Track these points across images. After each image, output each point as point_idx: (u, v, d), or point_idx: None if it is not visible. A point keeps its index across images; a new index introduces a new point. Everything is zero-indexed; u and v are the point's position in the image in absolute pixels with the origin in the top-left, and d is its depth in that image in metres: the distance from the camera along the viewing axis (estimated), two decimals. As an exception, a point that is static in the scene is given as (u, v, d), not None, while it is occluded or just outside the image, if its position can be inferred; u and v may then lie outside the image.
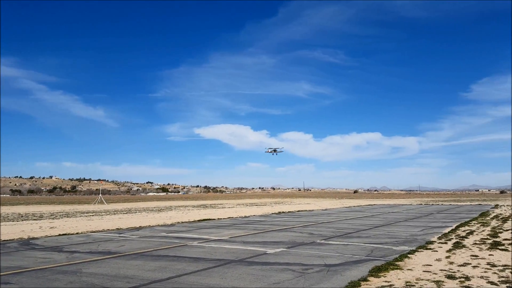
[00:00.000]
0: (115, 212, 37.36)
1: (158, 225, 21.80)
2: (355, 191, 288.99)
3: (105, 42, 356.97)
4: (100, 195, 76.98)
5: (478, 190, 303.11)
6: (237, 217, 28.08)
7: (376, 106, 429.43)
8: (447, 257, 10.64)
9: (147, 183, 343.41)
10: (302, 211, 37.44)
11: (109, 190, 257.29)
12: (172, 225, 22.10)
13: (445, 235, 15.95)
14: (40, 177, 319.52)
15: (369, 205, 53.67)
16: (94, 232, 18.43)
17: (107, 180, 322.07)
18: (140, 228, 20.35)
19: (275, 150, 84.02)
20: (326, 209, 40.56)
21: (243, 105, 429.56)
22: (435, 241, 13.93)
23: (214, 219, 26.45)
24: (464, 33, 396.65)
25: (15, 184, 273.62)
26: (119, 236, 16.46)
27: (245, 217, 28.64)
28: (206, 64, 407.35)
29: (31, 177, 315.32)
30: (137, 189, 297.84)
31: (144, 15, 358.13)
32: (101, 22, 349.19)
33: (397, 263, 9.75)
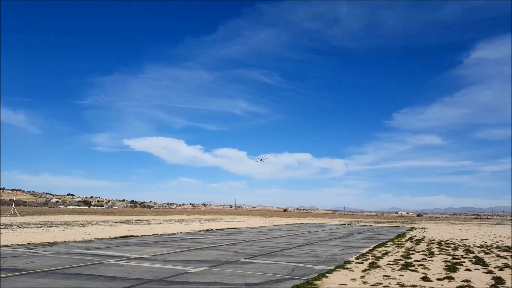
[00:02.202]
0: (28, 226, 34.19)
1: (75, 241, 20.48)
2: (285, 210, 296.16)
3: (30, 41, 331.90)
4: (13, 206, 69.78)
5: (398, 213, 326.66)
6: (162, 234, 27.34)
7: (308, 128, 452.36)
8: (362, 276, 11.31)
9: (68, 195, 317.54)
10: (231, 228, 37.55)
11: (25, 201, 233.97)
12: (90, 241, 20.89)
13: (363, 255, 16.89)
14: None
15: (296, 223, 55.47)
16: (1, 246, 16.79)
17: (23, 190, 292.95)
18: (54, 243, 18.96)
19: (261, 159, 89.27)
20: (255, 227, 41.13)
21: (178, 119, 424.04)
22: (353, 261, 14.73)
23: (137, 235, 25.49)
24: (389, 64, 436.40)
25: None
26: (29, 252, 15.20)
27: (171, 234, 28.01)
28: (141, 74, 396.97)
29: None
30: (56, 201, 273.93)
31: (78, 15, 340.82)
32: (27, 19, 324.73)
33: (315, 282, 10.20)
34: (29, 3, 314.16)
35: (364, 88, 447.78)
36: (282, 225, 50.35)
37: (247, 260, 14.48)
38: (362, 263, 14.33)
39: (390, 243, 24.21)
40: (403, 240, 27.18)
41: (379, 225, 59.24)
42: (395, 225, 61.41)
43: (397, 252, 18.68)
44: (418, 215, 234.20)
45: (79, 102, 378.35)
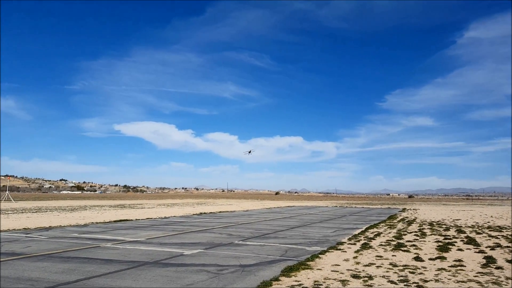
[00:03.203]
0: (23, 211, 34.26)
1: (70, 226, 20.69)
2: (277, 193, 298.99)
3: (19, 27, 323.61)
4: (7, 191, 69.56)
5: (389, 194, 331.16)
6: (156, 218, 27.66)
7: (299, 111, 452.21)
8: (355, 257, 11.55)
9: (60, 180, 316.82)
10: (223, 212, 38.01)
11: (18, 187, 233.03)
12: (85, 225, 21.11)
13: (355, 236, 17.26)
14: None
15: (288, 206, 56.21)
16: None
17: (16, 176, 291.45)
18: (50, 228, 19.15)
19: (249, 152, 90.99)
20: (247, 210, 41.66)
21: (168, 103, 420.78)
22: (345, 242, 15.03)
23: (131, 219, 25.77)
24: (381, 46, 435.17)
25: None
26: (25, 237, 15.39)
27: (165, 217, 28.34)
28: (128, 58, 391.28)
29: None
30: (49, 187, 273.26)
31: (64, 2, 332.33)
32: (15, 5, 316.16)
33: (308, 263, 10.42)
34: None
35: (355, 70, 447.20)
36: (274, 208, 51.03)
37: (240, 242, 14.81)
38: (354, 244, 14.68)
39: (382, 224, 24.73)
40: (395, 221, 27.77)
41: (370, 207, 60.18)
42: (386, 206, 62.49)
43: (389, 233, 19.12)
44: (410, 197, 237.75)
45: (67, 87, 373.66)
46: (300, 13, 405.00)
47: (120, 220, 24.81)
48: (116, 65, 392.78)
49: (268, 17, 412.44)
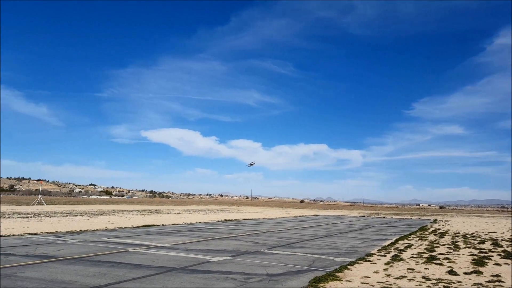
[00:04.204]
0: (55, 215, 35.47)
1: (100, 230, 21.19)
2: (302, 201, 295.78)
3: (51, 37, 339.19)
4: (39, 195, 72.29)
5: (419, 205, 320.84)
6: (182, 224, 27.94)
7: (323, 119, 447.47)
8: (385, 269, 11.18)
9: (90, 185, 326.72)
10: (248, 219, 37.96)
11: (50, 191, 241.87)
12: (114, 230, 21.58)
13: (385, 247, 16.76)
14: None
15: (314, 215, 55.49)
16: (32, 234, 17.60)
17: (48, 181, 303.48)
18: (80, 232, 19.69)
19: (251, 164, 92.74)
20: (272, 218, 41.43)
21: (193, 110, 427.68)
22: (375, 254, 14.60)
23: (158, 225, 26.14)
24: (407, 53, 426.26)
25: None
26: (58, 240, 15.87)
27: (191, 224, 28.58)
28: (155, 66, 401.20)
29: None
30: (79, 191, 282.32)
31: (94, 12, 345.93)
32: (48, 16, 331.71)
33: (337, 274, 10.15)
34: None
35: (381, 78, 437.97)
36: (299, 216, 50.52)
37: (266, 250, 14.70)
38: (384, 255, 14.26)
39: (412, 235, 23.95)
40: (426, 232, 26.85)
41: (400, 217, 58.54)
42: (416, 217, 60.56)
43: (421, 245, 18.50)
44: (441, 207, 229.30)
45: (97, 94, 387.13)
46: (324, 21, 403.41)
47: (147, 225, 25.21)
48: (144, 73, 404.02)
49: (291, 25, 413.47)
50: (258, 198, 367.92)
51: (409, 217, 61.31)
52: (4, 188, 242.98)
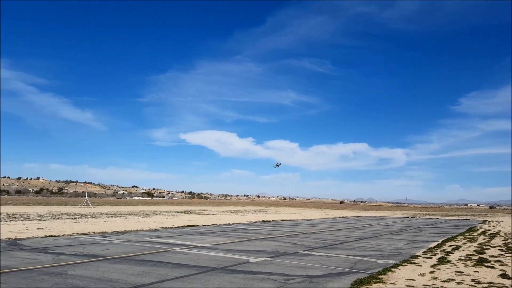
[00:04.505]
0: (101, 215, 37.16)
1: (143, 230, 21.91)
2: (341, 202, 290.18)
3: (95, 46, 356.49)
4: (86, 197, 76.11)
5: (467, 205, 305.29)
6: (220, 224, 28.29)
7: (363, 117, 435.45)
8: (431, 272, 10.76)
9: (132, 187, 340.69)
10: (286, 220, 37.79)
11: (95, 193, 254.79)
12: (156, 230, 22.22)
13: (431, 249, 16.14)
14: (27, 178, 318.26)
15: (354, 216, 54.30)
16: (80, 234, 18.50)
17: (94, 183, 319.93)
18: (124, 232, 20.45)
19: (277, 165, 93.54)
20: (310, 219, 40.99)
21: (229, 112, 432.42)
22: (420, 256, 14.08)
23: (198, 225, 26.62)
24: (452, 46, 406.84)
25: (3, 184, 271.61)
26: (104, 240, 16.58)
27: (229, 224, 28.87)
28: (193, 70, 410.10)
29: (19, 178, 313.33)
30: (123, 193, 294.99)
31: (134, 21, 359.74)
32: (92, 26, 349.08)
33: (380, 276, 9.87)
34: (91, 12, 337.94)
35: (425, 73, 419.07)
36: (339, 217, 49.62)
37: (306, 252, 14.54)
38: (430, 258, 13.68)
39: (460, 237, 22.84)
40: (475, 234, 25.49)
41: (446, 218, 55.98)
42: (464, 218, 57.65)
43: (469, 247, 17.61)
44: (491, 207, 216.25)
45: (138, 99, 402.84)
46: (362, 16, 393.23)
47: (188, 226, 25.76)
48: (182, 77, 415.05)
49: (329, 23, 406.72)
50: (295, 199, 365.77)
51: (456, 217, 58.48)
52: (54, 191, 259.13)
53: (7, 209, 46.24)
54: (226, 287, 8.36)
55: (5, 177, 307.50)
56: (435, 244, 18.58)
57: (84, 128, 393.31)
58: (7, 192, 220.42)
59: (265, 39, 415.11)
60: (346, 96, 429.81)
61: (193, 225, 26.40)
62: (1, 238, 16.22)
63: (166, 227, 24.26)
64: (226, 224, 28.69)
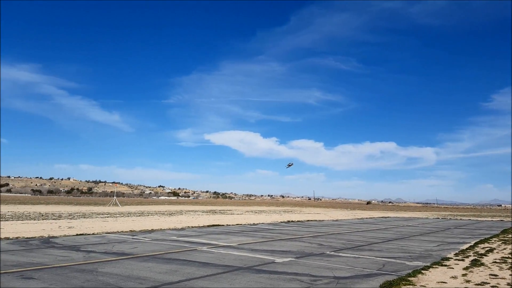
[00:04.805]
0: (129, 215, 38.07)
1: (169, 229, 22.25)
2: (368, 202, 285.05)
3: (121, 50, 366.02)
4: (114, 197, 78.30)
5: (501, 205, 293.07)
6: (245, 224, 28.35)
7: (391, 116, 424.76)
8: (464, 274, 10.40)
9: (159, 186, 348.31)
10: (311, 220, 37.46)
11: (123, 193, 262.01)
12: (182, 229, 22.53)
13: (463, 251, 15.63)
14: (59, 178, 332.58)
15: (382, 217, 53.18)
16: (109, 233, 18.99)
17: (121, 183, 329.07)
18: (152, 231, 20.84)
19: (289, 165, 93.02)
20: (337, 220, 40.46)
21: (252, 112, 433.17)
22: (452, 258, 13.66)
23: (223, 225, 26.79)
24: (482, 42, 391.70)
25: (36, 185, 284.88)
26: (132, 238, 16.94)
27: (254, 224, 28.89)
28: (217, 71, 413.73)
29: (51, 178, 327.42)
30: (149, 193, 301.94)
31: (158, 25, 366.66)
32: (118, 30, 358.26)
33: (410, 278, 9.62)
34: (118, 17, 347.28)
35: (454, 69, 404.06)
36: (366, 218, 48.73)
37: (332, 253, 14.33)
38: (462, 260, 13.19)
39: (494, 239, 21.91)
40: (510, 235, 24.38)
41: (479, 219, 54.00)
42: (498, 219, 55.33)
43: (504, 249, 16.84)
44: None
45: (163, 101, 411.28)
46: (389, 12, 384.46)
47: (213, 225, 25.97)
48: (206, 79, 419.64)
49: (353, 19, 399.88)
50: (321, 200, 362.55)
51: (489, 219, 56.23)
52: (84, 191, 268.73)
53: (39, 208, 48.26)
54: (252, 286, 8.35)
55: (37, 177, 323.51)
56: (467, 246, 17.94)
57: (112, 129, 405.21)
58: (40, 192, 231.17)
59: (289, 38, 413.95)
60: (373, 94, 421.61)
61: (218, 225, 26.59)
62: (35, 236, 16.88)
63: (192, 226, 24.55)
64: (250, 224, 28.73)
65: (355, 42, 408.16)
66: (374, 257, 13.50)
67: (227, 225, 27.00)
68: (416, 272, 10.56)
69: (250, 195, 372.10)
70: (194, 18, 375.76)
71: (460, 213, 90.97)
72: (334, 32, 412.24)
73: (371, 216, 54.88)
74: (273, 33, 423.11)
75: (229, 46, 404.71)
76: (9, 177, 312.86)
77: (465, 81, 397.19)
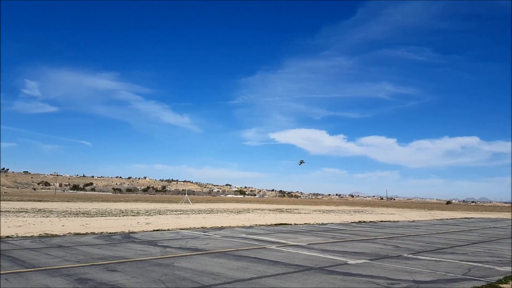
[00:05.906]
0: (199, 212, 39.65)
1: (238, 226, 22.65)
2: (448, 202, 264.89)
3: (189, 54, 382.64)
4: (186, 195, 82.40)
5: None
6: (314, 224, 27.85)
7: (472, 108, 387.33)
8: None
9: (226, 185, 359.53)
10: (385, 221, 35.66)
11: (193, 191, 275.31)
12: (250, 227, 22.78)
13: (563, 257, 13.84)
14: (136, 177, 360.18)
15: (465, 218, 49.01)
16: (182, 229, 19.87)
17: (192, 182, 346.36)
18: (222, 228, 21.37)
19: (301, 162, 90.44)
20: (413, 221, 38.06)
21: (318, 109, 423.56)
22: (548, 264, 12.13)
23: (290, 224, 26.59)
24: None
25: (116, 184, 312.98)
26: (204, 235, 17.51)
27: (323, 224, 28.26)
28: (281, 70, 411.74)
29: (129, 177, 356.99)
30: (217, 191, 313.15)
31: (222, 27, 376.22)
32: (185, 37, 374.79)
33: (501, 285, 8.76)
34: (186, 25, 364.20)
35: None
36: (446, 219, 45.22)
37: (410, 255, 13.41)
38: None
39: None
40: None
41: None
42: None
43: None
44: None
45: (229, 102, 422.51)
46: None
47: (280, 224, 25.91)
48: (270, 78, 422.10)
49: (426, 7, 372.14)
50: (394, 199, 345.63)
51: None
52: (158, 189, 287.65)
53: (120, 206, 52.54)
54: (325, 287, 8.05)
55: (117, 177, 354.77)
56: None
57: (183, 131, 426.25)
58: (120, 191, 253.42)
59: (355, 31, 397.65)
60: (451, 85, 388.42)
61: (286, 224, 26.45)
62: (117, 231, 18.22)
63: (260, 225, 24.72)
64: (319, 224, 28.16)
65: (430, 30, 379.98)
66: (457, 261, 12.37)
67: (295, 224, 26.76)
68: (508, 278, 9.53)
69: (317, 194, 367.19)
70: (258, 18, 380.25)
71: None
72: (405, 22, 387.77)
73: (452, 217, 50.78)
74: (338, 27, 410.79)
75: (293, 44, 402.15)
76: (93, 177, 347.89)
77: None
